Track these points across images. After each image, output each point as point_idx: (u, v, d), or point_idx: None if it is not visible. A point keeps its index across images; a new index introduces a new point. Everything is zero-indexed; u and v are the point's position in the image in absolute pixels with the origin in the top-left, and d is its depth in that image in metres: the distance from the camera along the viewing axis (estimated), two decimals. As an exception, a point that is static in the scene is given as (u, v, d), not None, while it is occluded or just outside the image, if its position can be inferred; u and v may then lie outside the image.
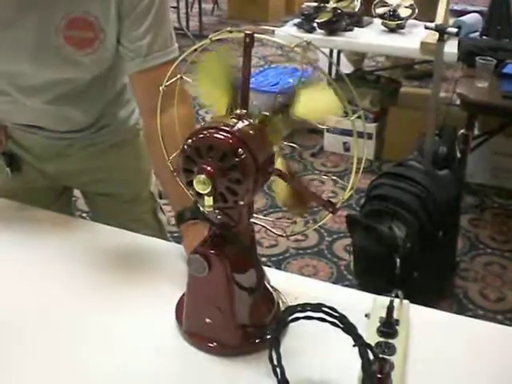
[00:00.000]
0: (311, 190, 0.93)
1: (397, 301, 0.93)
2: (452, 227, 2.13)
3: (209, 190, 0.79)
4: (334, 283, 2.33)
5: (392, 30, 3.11)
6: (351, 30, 3.10)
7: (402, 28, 3.10)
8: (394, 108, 3.29)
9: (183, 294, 0.96)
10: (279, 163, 0.92)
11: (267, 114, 0.92)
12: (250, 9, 6.47)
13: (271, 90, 3.64)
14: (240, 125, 0.83)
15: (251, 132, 0.83)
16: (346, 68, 3.73)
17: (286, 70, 4.19)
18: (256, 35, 0.85)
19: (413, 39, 2.86)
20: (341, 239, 2.63)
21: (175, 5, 5.68)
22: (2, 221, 1.23)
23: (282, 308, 0.96)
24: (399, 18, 3.05)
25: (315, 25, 3.09)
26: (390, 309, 0.90)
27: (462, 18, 2.90)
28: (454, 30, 2.03)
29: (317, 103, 0.87)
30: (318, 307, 0.80)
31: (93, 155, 1.33)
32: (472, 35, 2.79)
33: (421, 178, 2.03)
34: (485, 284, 2.38)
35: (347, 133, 3.41)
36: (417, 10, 3.09)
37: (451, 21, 2.83)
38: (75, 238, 1.18)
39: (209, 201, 0.82)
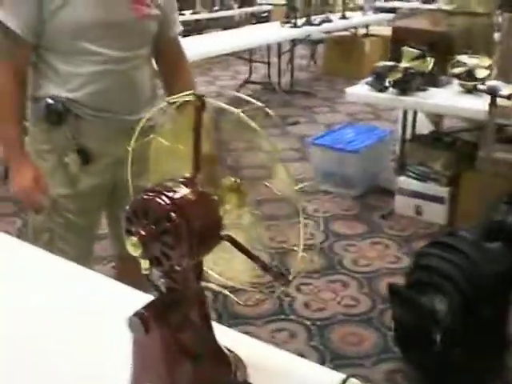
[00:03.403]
0: (262, 260, 0.89)
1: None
2: (503, 303, 1.95)
3: (139, 252, 0.79)
4: (379, 354, 2.21)
5: (469, 91, 2.99)
6: (425, 89, 3.02)
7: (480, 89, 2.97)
8: (469, 172, 3.13)
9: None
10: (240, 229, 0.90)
11: (238, 181, 0.91)
12: (345, 65, 6.51)
13: (346, 148, 3.61)
14: (183, 190, 0.82)
15: (193, 197, 0.82)
16: (425, 128, 3.62)
17: (363, 128, 4.14)
18: (207, 99, 0.85)
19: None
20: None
21: (267, 60, 5.87)
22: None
23: (240, 374, 0.93)
24: (476, 79, 2.93)
25: (387, 84, 3.05)
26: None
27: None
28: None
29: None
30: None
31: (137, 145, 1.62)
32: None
33: (469, 250, 1.90)
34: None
35: (420, 196, 3.30)
36: (495, 71, 2.97)
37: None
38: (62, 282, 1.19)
39: (145, 263, 0.81)
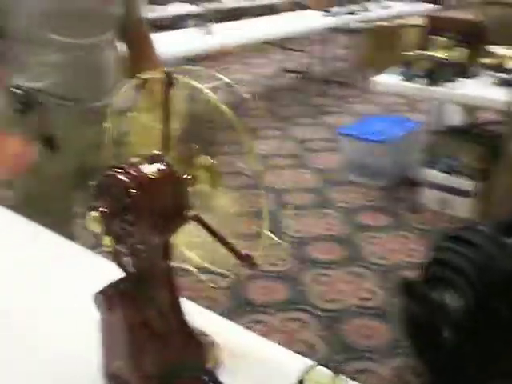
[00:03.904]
0: (229, 240, 0.87)
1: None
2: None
3: (100, 229, 0.78)
4: (391, 349, 2.16)
5: (500, 83, 2.88)
6: (455, 80, 2.92)
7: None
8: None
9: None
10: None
11: (212, 160, 0.89)
12: (384, 56, 6.36)
13: (370, 138, 3.54)
14: (148, 167, 0.81)
15: (158, 175, 0.81)
16: (457, 120, 3.50)
17: (394, 119, 4.05)
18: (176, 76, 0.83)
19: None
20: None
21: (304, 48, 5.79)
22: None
23: (213, 358, 0.91)
24: (505, 70, 2.83)
25: (417, 74, 2.96)
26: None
27: None
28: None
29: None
30: None
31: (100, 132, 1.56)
32: None
33: (484, 244, 1.83)
34: None
35: (447, 189, 3.21)
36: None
37: None
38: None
39: (106, 240, 0.80)
